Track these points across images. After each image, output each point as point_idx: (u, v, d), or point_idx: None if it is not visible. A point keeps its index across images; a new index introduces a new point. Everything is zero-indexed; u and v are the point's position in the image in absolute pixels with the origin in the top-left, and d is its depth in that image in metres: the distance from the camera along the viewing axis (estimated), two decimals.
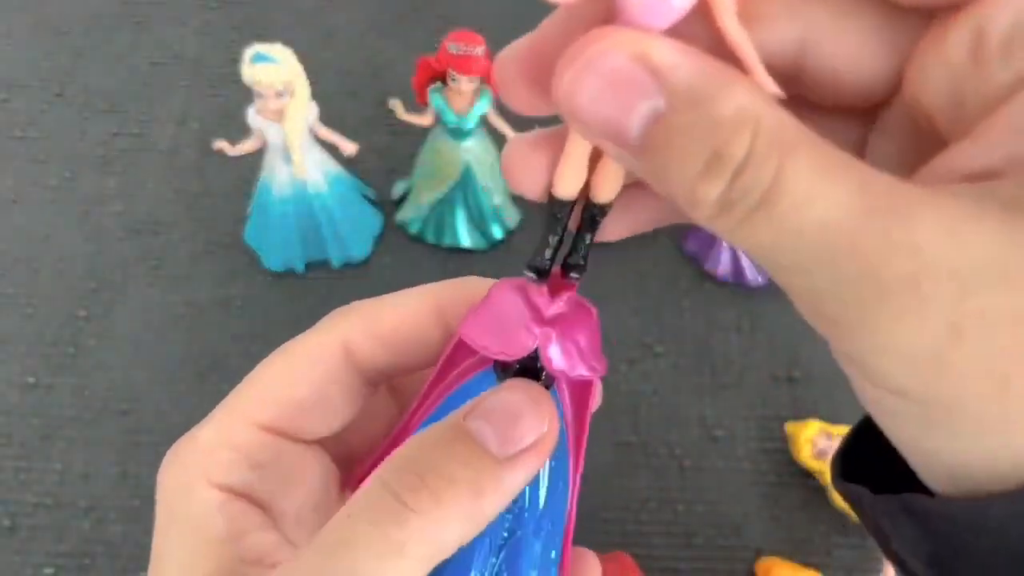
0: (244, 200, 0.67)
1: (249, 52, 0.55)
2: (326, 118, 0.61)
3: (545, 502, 0.22)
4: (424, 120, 0.64)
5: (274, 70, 0.56)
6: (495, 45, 0.60)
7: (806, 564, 0.55)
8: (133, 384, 0.61)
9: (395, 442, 0.22)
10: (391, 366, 0.23)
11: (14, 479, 0.58)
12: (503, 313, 0.21)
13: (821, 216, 0.14)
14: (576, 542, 0.23)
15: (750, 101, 0.15)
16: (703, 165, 0.15)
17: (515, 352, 0.20)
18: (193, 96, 0.75)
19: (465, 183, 0.65)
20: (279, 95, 0.57)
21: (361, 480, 0.23)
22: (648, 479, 0.59)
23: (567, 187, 0.19)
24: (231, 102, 0.71)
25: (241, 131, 0.61)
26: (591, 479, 0.56)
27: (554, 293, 0.21)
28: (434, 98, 0.61)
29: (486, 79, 0.60)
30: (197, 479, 0.21)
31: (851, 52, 0.17)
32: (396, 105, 0.66)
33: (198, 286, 0.66)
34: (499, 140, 0.65)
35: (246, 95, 0.59)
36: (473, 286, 0.23)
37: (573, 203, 0.20)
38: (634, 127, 0.15)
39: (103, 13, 0.80)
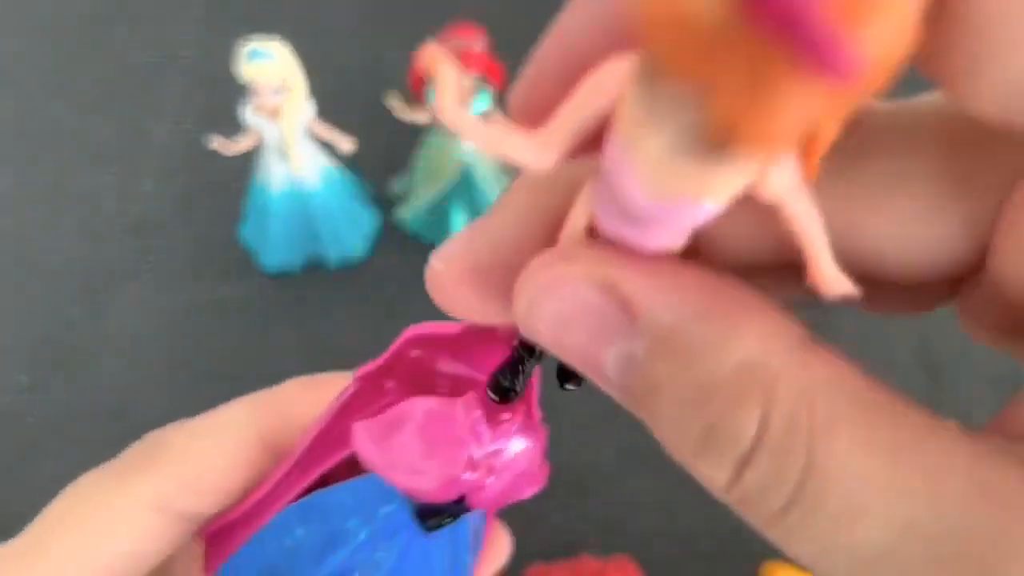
0: (240, 199, 0.66)
1: (245, 49, 0.55)
2: (323, 115, 0.61)
3: None
4: (421, 117, 0.63)
5: (270, 67, 0.55)
6: (495, 40, 0.59)
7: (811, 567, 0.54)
8: (128, 385, 0.61)
9: (258, 507, 0.20)
10: (212, 509, 0.20)
11: (6, 481, 0.57)
12: (419, 446, 0.16)
13: (878, 538, 0.10)
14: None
15: (762, 354, 0.10)
16: (696, 442, 0.11)
17: (431, 499, 0.16)
18: (188, 94, 0.75)
19: (464, 182, 0.64)
20: (276, 92, 0.56)
21: (215, 534, 0.21)
22: (651, 482, 0.58)
23: None
24: (227, 100, 0.70)
25: (237, 129, 0.60)
26: (594, 482, 0.55)
27: (491, 418, 0.16)
28: (432, 94, 0.60)
29: (486, 76, 0.59)
30: None
31: (903, 232, 0.12)
32: (393, 102, 0.65)
33: (193, 286, 0.65)
34: None
35: (242, 92, 0.58)
36: (291, 394, 0.20)
37: None
38: (609, 367, 0.12)
39: (98, 11, 0.80)
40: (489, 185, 0.65)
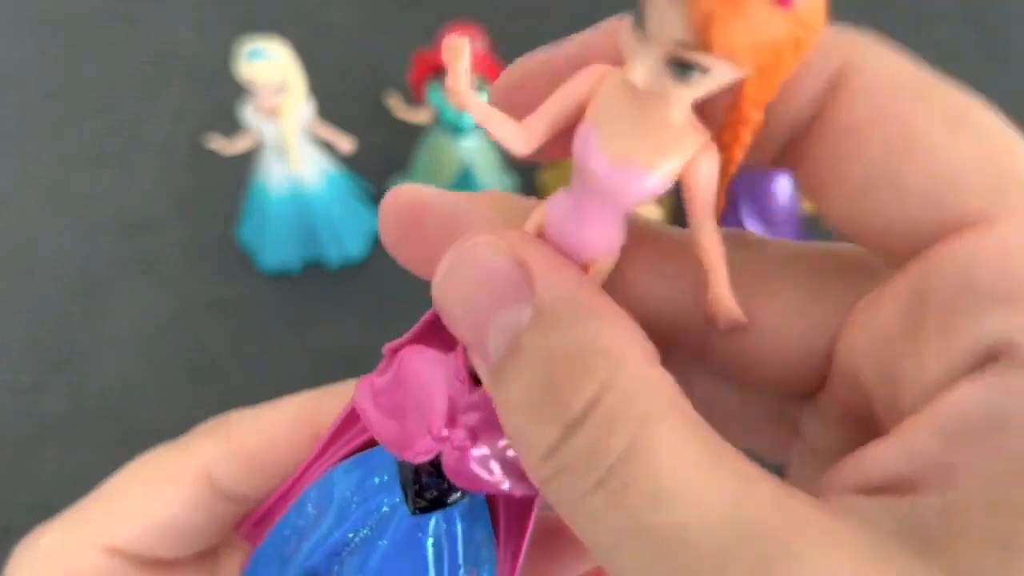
0: (239, 199, 0.66)
1: (245, 49, 0.55)
2: (323, 115, 0.61)
3: None
4: (421, 116, 0.63)
5: (269, 66, 0.55)
6: (495, 40, 0.59)
7: None
8: (126, 385, 0.61)
9: (283, 497, 0.20)
10: (258, 490, 0.21)
11: (7, 481, 0.57)
12: (407, 396, 0.16)
13: (681, 522, 0.11)
14: None
15: (616, 344, 0.12)
16: (537, 400, 0.12)
17: (408, 456, 0.16)
18: (187, 93, 0.75)
19: (464, 182, 0.64)
20: (275, 92, 0.56)
21: (251, 528, 0.21)
22: None
23: None
24: (226, 99, 0.70)
25: (237, 129, 0.60)
26: None
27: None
28: (433, 93, 0.60)
29: (486, 76, 0.59)
30: None
31: (777, 324, 0.14)
32: (393, 101, 0.65)
33: (192, 286, 0.65)
34: None
35: (241, 92, 0.58)
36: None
37: None
38: (492, 334, 0.13)
39: (96, 10, 0.80)
40: (489, 185, 0.65)
